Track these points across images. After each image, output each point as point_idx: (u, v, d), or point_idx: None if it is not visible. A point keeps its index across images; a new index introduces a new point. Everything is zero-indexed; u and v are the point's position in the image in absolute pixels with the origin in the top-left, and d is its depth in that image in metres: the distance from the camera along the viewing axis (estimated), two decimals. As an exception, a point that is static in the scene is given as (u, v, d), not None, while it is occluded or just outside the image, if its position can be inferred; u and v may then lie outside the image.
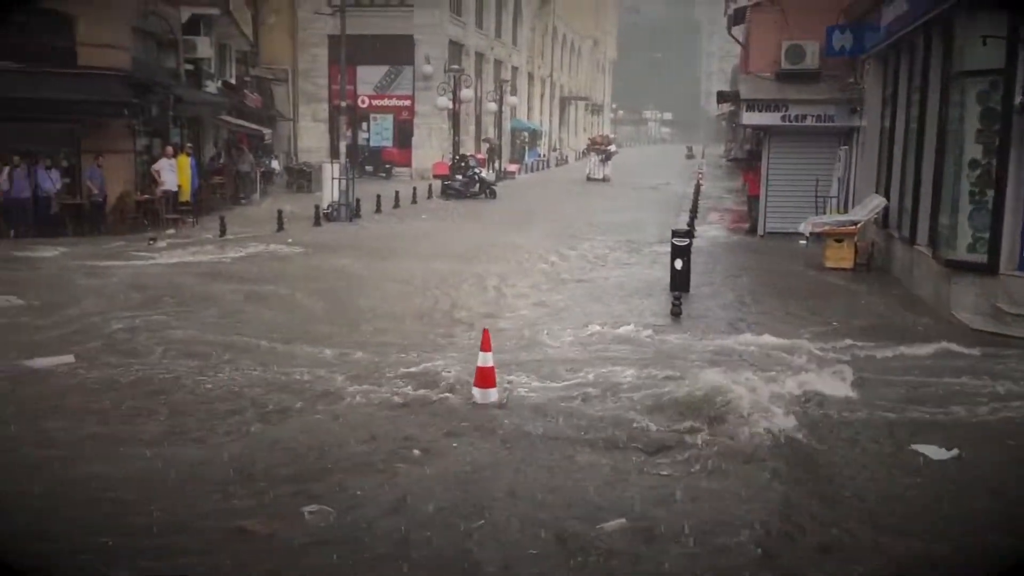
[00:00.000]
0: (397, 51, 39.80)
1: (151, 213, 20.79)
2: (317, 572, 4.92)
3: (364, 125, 40.56)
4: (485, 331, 8.16)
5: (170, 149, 21.96)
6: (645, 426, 7.13)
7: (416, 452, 6.57)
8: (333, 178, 23.72)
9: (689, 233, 14.22)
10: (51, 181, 19.29)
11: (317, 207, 22.50)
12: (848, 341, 9.89)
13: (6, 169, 18.83)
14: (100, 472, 6.19)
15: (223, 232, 19.31)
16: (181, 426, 7.18)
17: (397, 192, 27.41)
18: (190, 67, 25.82)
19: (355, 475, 6.14)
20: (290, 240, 18.75)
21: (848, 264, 15.31)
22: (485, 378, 7.81)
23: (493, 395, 7.79)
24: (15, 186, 18.85)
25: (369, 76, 40.02)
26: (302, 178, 32.51)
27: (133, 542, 5.11)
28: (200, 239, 18.63)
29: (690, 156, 64.07)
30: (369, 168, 37.50)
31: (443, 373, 8.49)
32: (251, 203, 27.37)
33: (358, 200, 23.89)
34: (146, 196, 21.12)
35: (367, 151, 39.44)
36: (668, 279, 13.19)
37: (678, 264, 13.03)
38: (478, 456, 6.56)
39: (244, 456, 6.50)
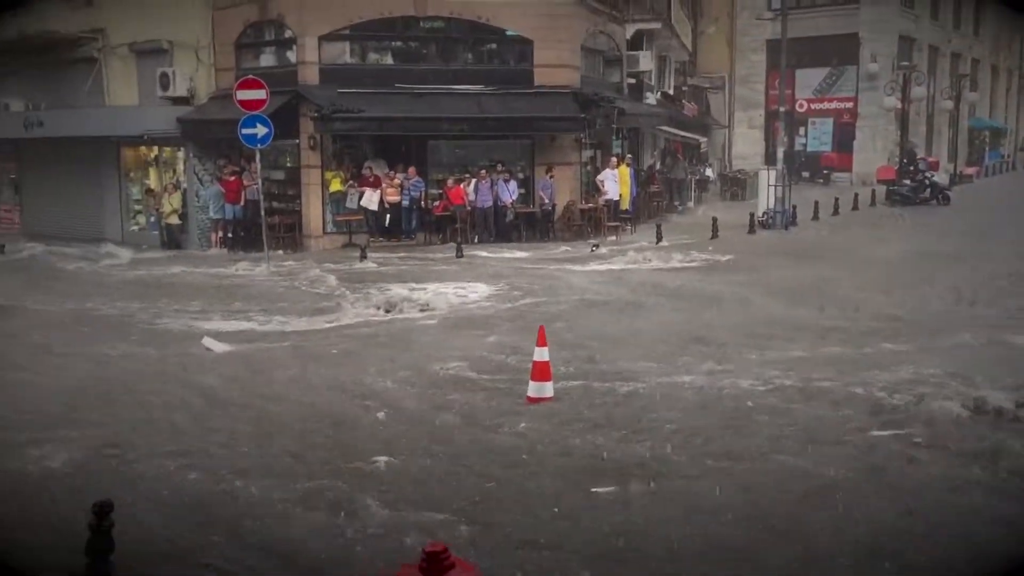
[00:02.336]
0: (839, 51, 37.99)
1: (594, 221, 22.02)
2: None
3: (801, 130, 39.25)
4: (541, 328, 8.29)
5: (613, 160, 23.06)
6: None
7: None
8: (769, 185, 23.29)
9: None
10: (509, 192, 21.25)
11: (752, 214, 22.22)
12: None
13: (473, 181, 21.12)
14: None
15: (659, 239, 19.84)
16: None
17: (836, 198, 26.09)
18: (632, 80, 26.94)
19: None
20: (725, 248, 18.71)
21: None
22: (541, 372, 8.01)
23: (548, 389, 7.95)
24: (479, 196, 21.05)
25: (808, 79, 38.66)
26: (736, 185, 32.36)
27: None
28: (639, 246, 19.30)
29: None
30: (806, 174, 36.19)
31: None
32: (686, 211, 27.82)
33: (794, 207, 23.17)
34: (589, 205, 22.41)
35: (804, 156, 38.10)
36: None
37: None
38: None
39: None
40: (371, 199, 20.65)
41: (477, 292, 14.09)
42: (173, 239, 21.78)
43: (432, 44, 21.93)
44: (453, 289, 14.27)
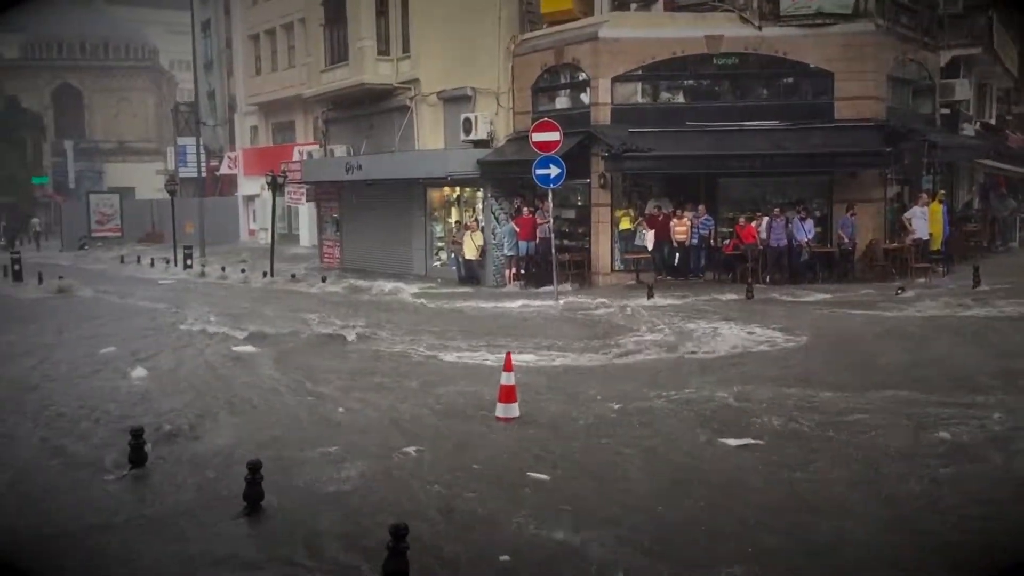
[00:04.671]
0: None
1: (899, 262, 20.42)
2: None
3: None
4: (508, 354, 9.39)
5: (923, 196, 21.31)
6: None
7: None
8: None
9: None
10: (804, 231, 20.26)
11: (1092, 257, 19.60)
12: None
13: (766, 219, 20.38)
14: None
15: (977, 283, 17.96)
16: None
17: None
18: (946, 110, 24.86)
19: None
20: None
21: None
22: (507, 395, 9.01)
23: (515, 409, 8.95)
24: (773, 235, 20.26)
25: None
26: (1073, 224, 28.77)
27: None
28: (952, 290, 17.61)
29: None
30: None
31: None
32: (1009, 252, 25.10)
33: None
34: (894, 244, 20.84)
35: None
36: None
37: None
38: None
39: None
40: (646, 237, 20.66)
41: (761, 334, 13.51)
42: (472, 274, 22.94)
43: (724, 80, 21.52)
44: (737, 330, 13.80)
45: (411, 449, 8.00)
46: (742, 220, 20.55)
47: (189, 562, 5.71)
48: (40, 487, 7.29)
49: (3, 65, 63.10)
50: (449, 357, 12.61)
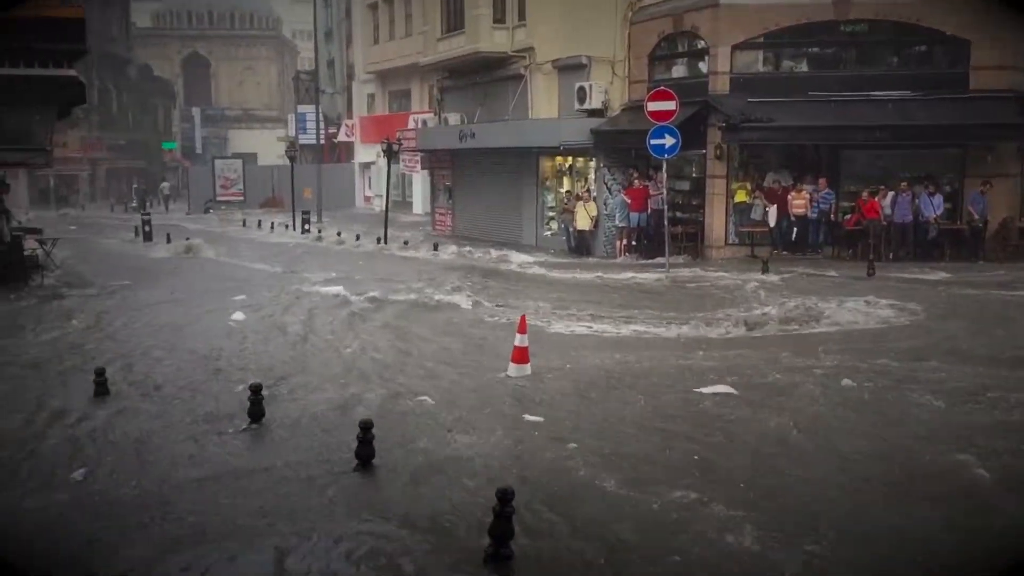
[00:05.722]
0: None
1: (1041, 240, 19.35)
2: None
3: None
4: (522, 316, 9.76)
5: (1063, 172, 20.08)
6: None
7: None
8: None
9: None
10: (932, 206, 19.38)
11: None
12: None
13: (890, 194, 19.57)
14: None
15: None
16: None
17: None
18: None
19: None
20: None
21: None
22: (520, 356, 9.38)
23: (527, 369, 9.32)
24: (898, 210, 19.46)
25: None
26: None
27: None
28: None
29: None
30: None
31: None
32: None
33: None
34: (1032, 223, 19.75)
35: None
36: None
37: None
38: None
39: None
40: (769, 213, 20.16)
41: (879, 311, 13.01)
42: (584, 245, 22.81)
43: (851, 49, 20.67)
44: (852, 307, 13.22)
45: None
46: (865, 194, 19.77)
47: (301, 515, 5.90)
48: (171, 440, 7.62)
49: (137, 34, 65.92)
50: (555, 327, 12.57)
